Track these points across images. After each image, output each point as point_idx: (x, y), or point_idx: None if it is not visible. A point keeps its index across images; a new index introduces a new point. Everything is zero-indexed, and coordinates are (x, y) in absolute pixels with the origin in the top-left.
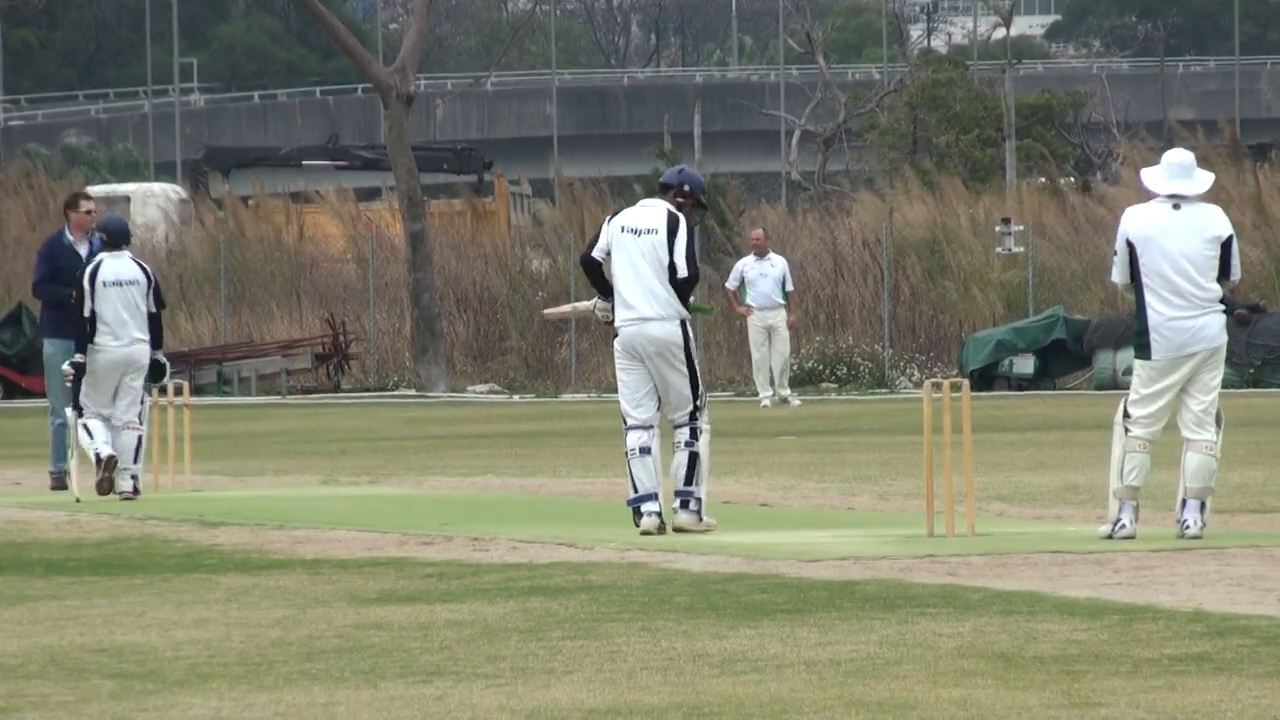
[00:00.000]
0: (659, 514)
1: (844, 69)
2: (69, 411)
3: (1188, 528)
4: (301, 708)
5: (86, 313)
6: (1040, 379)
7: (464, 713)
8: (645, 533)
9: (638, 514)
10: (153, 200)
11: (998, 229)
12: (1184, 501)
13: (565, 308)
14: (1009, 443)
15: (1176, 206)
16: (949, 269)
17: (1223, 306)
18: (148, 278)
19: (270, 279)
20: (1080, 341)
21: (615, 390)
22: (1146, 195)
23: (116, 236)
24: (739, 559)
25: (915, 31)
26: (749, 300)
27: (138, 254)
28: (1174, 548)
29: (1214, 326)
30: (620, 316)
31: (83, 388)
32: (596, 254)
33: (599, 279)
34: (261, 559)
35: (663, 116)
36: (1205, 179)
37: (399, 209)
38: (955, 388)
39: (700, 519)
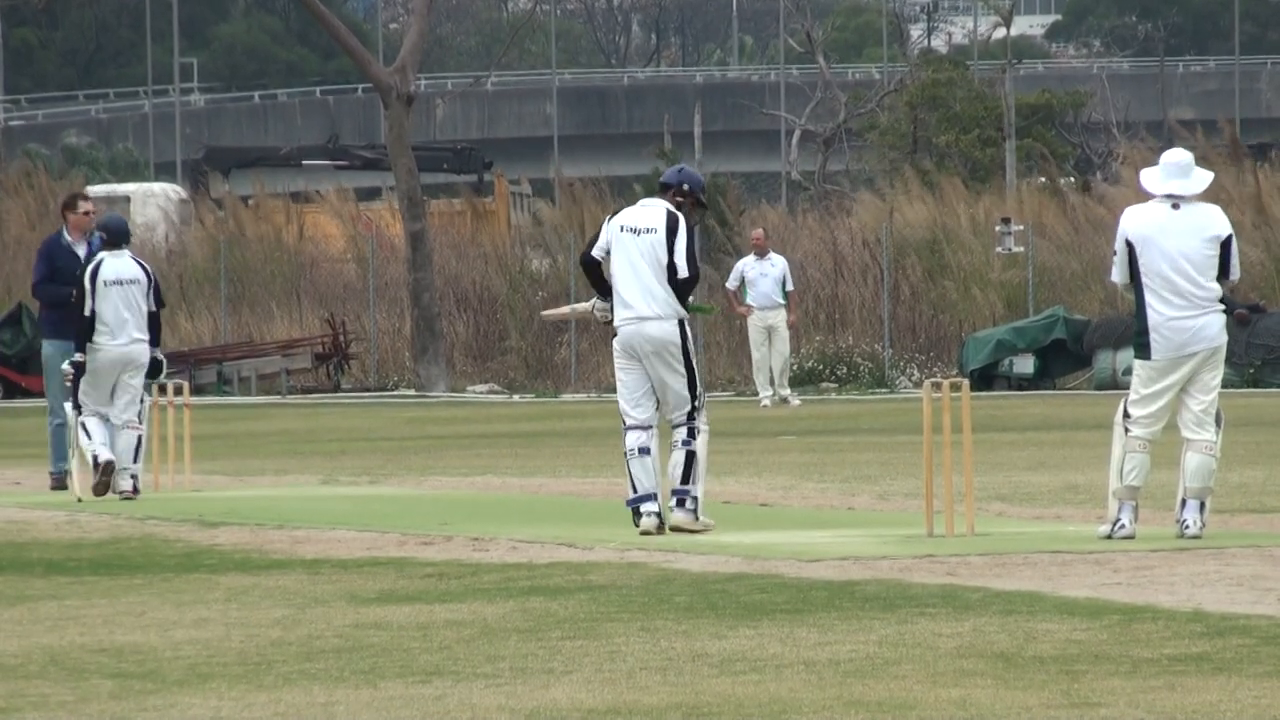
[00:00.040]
0: (658, 514)
1: (844, 69)
2: (69, 410)
3: (1187, 528)
4: (301, 707)
5: (87, 312)
6: (1040, 379)
7: (463, 713)
8: (645, 533)
9: (637, 514)
10: (153, 200)
11: (998, 229)
12: (1184, 501)
13: (564, 309)
14: (1009, 443)
15: (1175, 206)
16: (949, 269)
17: (1222, 306)
18: (148, 277)
19: (270, 279)
20: (1080, 341)
21: (615, 390)
22: (1146, 195)
23: (117, 236)
24: (738, 559)
25: (915, 31)
26: (749, 300)
27: (138, 254)
28: (1173, 548)
29: (1214, 326)
30: (619, 316)
31: (81, 386)
32: (596, 253)
33: (598, 278)
34: (261, 559)
35: (663, 116)
36: (1203, 179)
37: (399, 209)
38: (955, 388)
39: (697, 518)
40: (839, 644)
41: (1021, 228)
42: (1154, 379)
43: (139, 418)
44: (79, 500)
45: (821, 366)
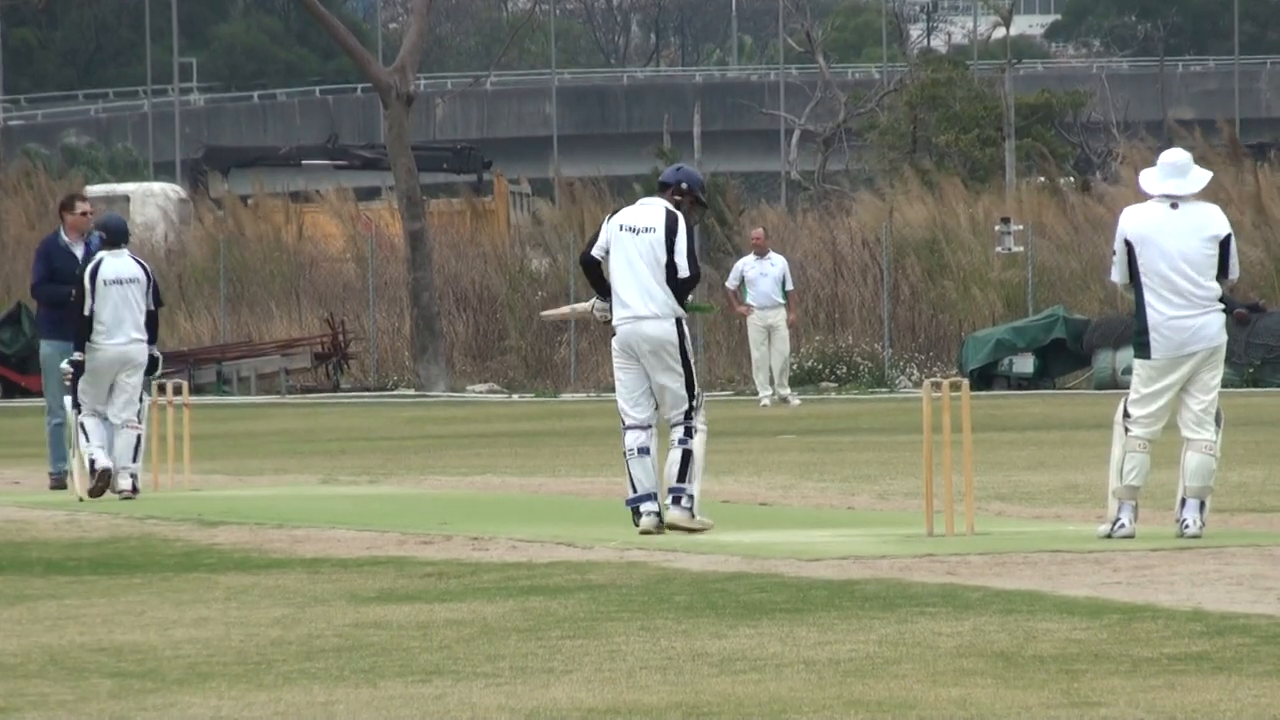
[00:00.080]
0: (658, 514)
1: (844, 68)
2: (69, 409)
3: (1187, 527)
4: (301, 707)
5: (86, 311)
6: (1040, 378)
7: (463, 712)
8: (644, 532)
9: (636, 514)
10: (152, 200)
11: (997, 228)
12: (1183, 501)
13: (564, 309)
14: (1008, 442)
15: (1174, 206)
16: (949, 268)
17: (1222, 306)
18: (147, 276)
19: (269, 278)
20: (1080, 341)
21: (614, 390)
22: (1146, 195)
23: (116, 235)
24: (738, 558)
25: (915, 31)
26: (749, 300)
27: (137, 253)
28: (1173, 547)
29: (1214, 326)
30: (617, 315)
31: (80, 385)
32: (596, 253)
33: (598, 278)
34: (261, 558)
35: (662, 116)
36: (1200, 178)
37: (398, 208)
38: (955, 387)
39: (693, 515)
40: (839, 643)
41: (1021, 227)
42: (1154, 378)
43: (138, 417)
44: (80, 500)
45: (821, 366)
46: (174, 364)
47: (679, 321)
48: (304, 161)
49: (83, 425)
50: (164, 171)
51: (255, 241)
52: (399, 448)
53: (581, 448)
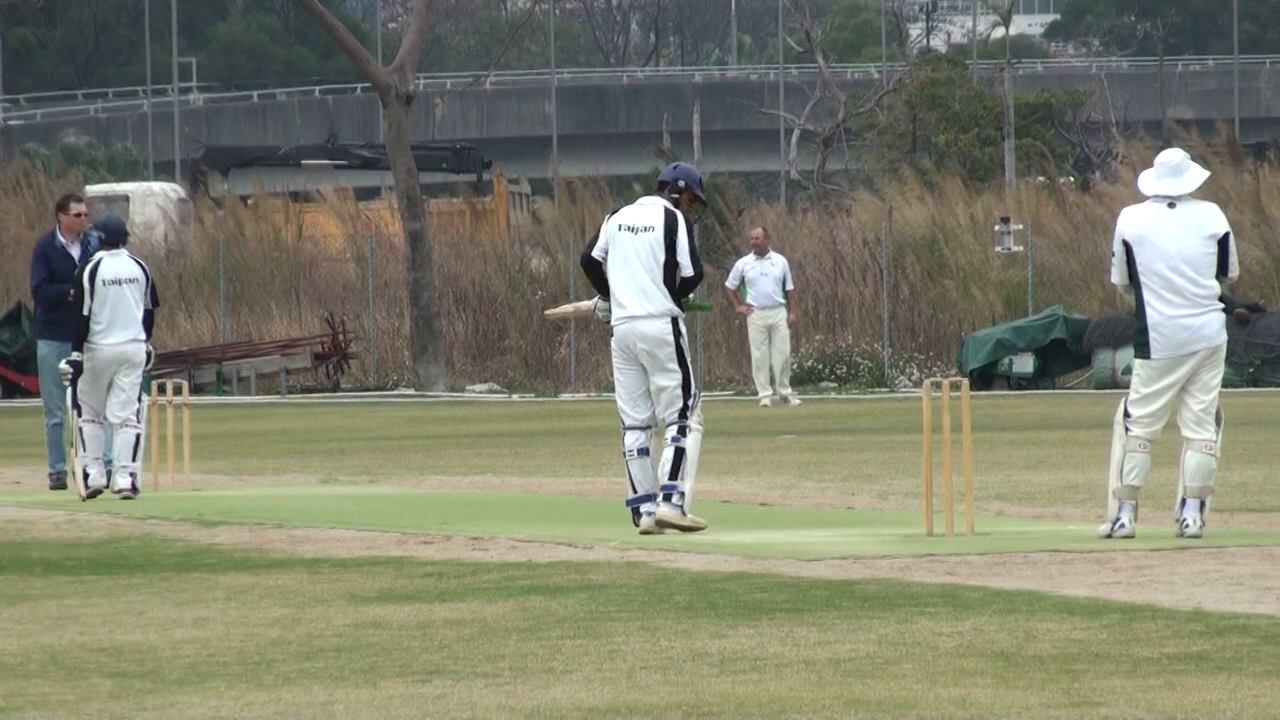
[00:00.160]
0: None
1: (843, 68)
2: (70, 410)
3: (1187, 527)
4: (301, 707)
5: (85, 311)
6: (1040, 378)
7: (463, 712)
8: (645, 532)
9: (636, 514)
10: (152, 199)
11: (997, 228)
12: (1183, 501)
13: (566, 307)
14: (1008, 442)
15: (1172, 205)
16: (948, 268)
17: (1222, 305)
18: (146, 276)
19: (269, 278)
20: (1080, 341)
21: (614, 390)
22: (1144, 196)
23: (115, 236)
24: (738, 558)
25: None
26: (749, 299)
27: (136, 253)
28: (1173, 547)
29: (1214, 325)
30: (614, 315)
31: (80, 385)
32: (596, 253)
33: (599, 279)
34: (261, 558)
35: (662, 116)
36: (1196, 177)
37: (398, 208)
38: (955, 387)
39: (684, 513)
40: (839, 643)
41: (1021, 227)
42: (1154, 378)
43: (137, 416)
44: (83, 499)
45: (821, 366)
46: (174, 364)
47: (675, 321)
48: (303, 161)
49: (81, 432)
50: (163, 171)
51: (255, 241)
52: (399, 448)
53: (581, 448)
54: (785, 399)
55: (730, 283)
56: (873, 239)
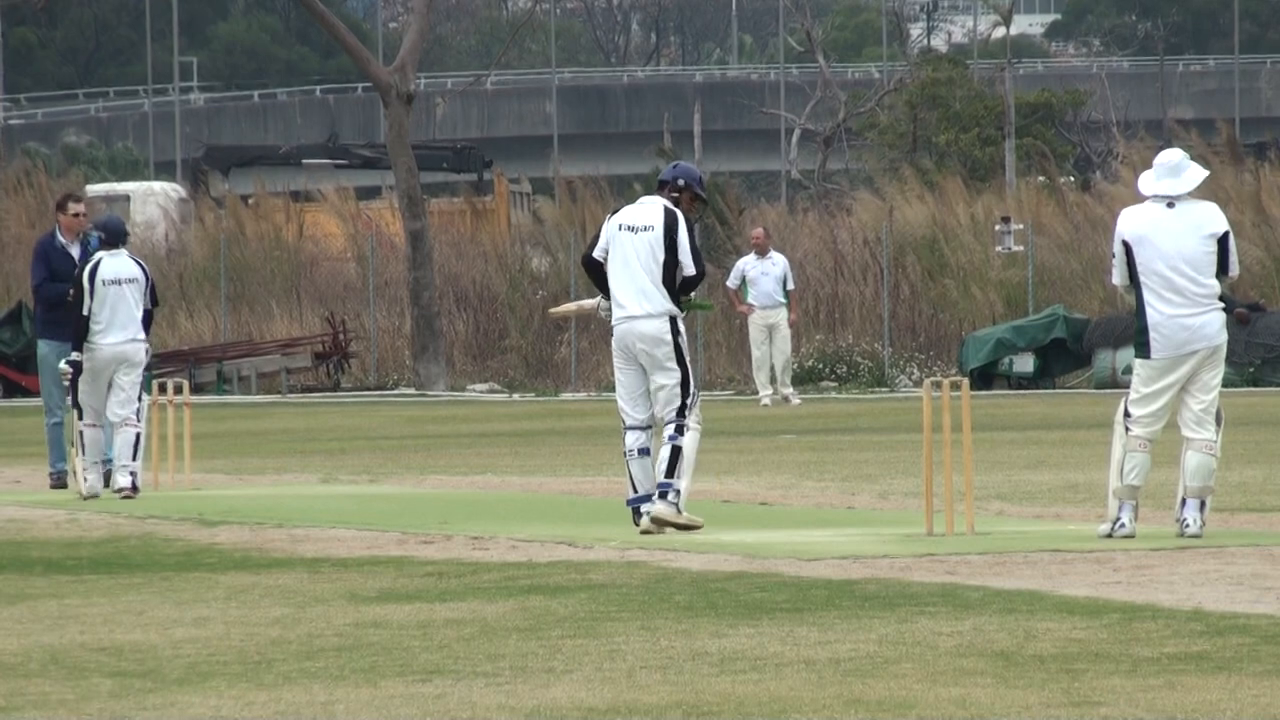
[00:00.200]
0: None
1: (844, 68)
2: (71, 409)
3: (1187, 526)
4: (301, 706)
5: (85, 311)
6: (1040, 378)
7: (463, 711)
8: (645, 532)
9: (637, 514)
10: (153, 199)
11: (997, 228)
12: (1183, 500)
13: (570, 306)
14: (1008, 441)
15: (1170, 205)
16: (949, 268)
17: (1222, 304)
18: (145, 276)
19: (270, 278)
20: (1080, 340)
21: (614, 389)
22: (1143, 196)
23: (115, 236)
24: (738, 557)
25: (915, 30)
26: (750, 299)
27: (136, 253)
28: (1173, 546)
29: (1214, 325)
30: (614, 315)
31: (80, 385)
32: (597, 254)
33: (601, 279)
34: (261, 558)
35: (662, 115)
36: (1193, 177)
37: (399, 208)
38: (955, 386)
39: (679, 511)
40: (839, 643)
41: (1021, 227)
42: (1154, 378)
43: (137, 415)
44: (83, 498)
45: (821, 365)
46: (174, 363)
47: (673, 320)
48: (304, 160)
49: (82, 435)
50: (164, 171)
51: (256, 241)
52: (399, 447)
53: (581, 447)
54: (786, 398)
55: (731, 282)
56: (873, 239)
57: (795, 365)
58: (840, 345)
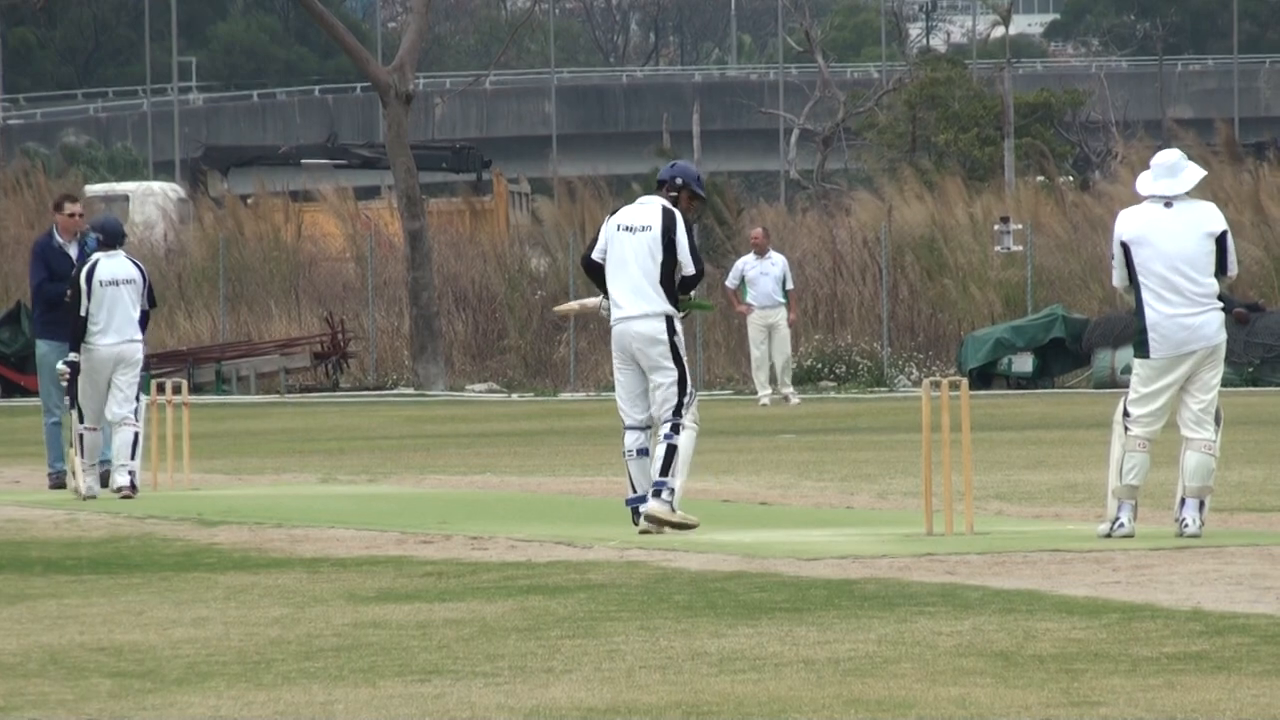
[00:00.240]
0: None
1: (843, 68)
2: (70, 411)
3: (1186, 526)
4: (300, 706)
5: (82, 311)
6: (1039, 377)
7: (462, 711)
8: (644, 532)
9: (636, 514)
10: (152, 199)
11: (996, 228)
12: (1183, 500)
13: (573, 304)
14: (1008, 441)
15: (1168, 205)
16: (948, 267)
17: (1221, 304)
18: (143, 276)
19: (269, 278)
20: (1079, 340)
21: (613, 389)
22: (1141, 197)
23: (112, 236)
24: (737, 557)
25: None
26: (750, 299)
27: (135, 253)
28: (1173, 546)
29: (1213, 324)
30: (612, 315)
31: (79, 386)
32: (596, 255)
33: (602, 280)
34: (260, 558)
35: (661, 115)
36: (1191, 176)
37: (398, 208)
38: (954, 386)
39: (673, 509)
40: (838, 642)
41: (1020, 226)
42: (1153, 378)
43: (135, 415)
44: (84, 498)
45: (820, 365)
46: (173, 363)
47: (669, 319)
48: (303, 160)
49: (81, 439)
50: (163, 171)
51: (255, 241)
52: (398, 447)
53: (581, 447)
54: (786, 398)
55: (730, 282)
56: (872, 239)
57: (794, 365)
58: (839, 345)
